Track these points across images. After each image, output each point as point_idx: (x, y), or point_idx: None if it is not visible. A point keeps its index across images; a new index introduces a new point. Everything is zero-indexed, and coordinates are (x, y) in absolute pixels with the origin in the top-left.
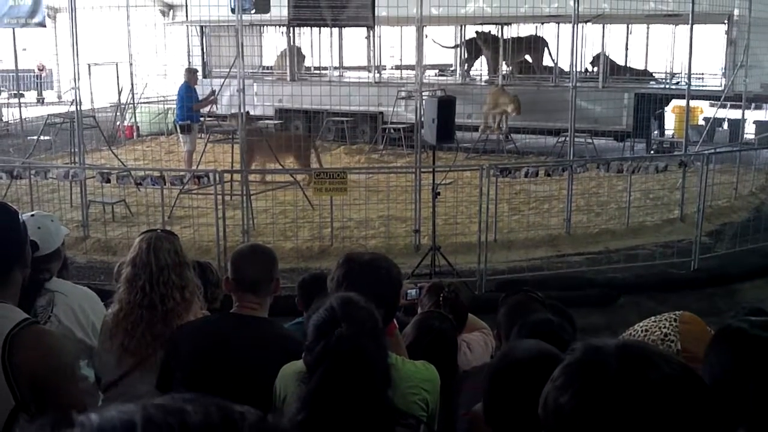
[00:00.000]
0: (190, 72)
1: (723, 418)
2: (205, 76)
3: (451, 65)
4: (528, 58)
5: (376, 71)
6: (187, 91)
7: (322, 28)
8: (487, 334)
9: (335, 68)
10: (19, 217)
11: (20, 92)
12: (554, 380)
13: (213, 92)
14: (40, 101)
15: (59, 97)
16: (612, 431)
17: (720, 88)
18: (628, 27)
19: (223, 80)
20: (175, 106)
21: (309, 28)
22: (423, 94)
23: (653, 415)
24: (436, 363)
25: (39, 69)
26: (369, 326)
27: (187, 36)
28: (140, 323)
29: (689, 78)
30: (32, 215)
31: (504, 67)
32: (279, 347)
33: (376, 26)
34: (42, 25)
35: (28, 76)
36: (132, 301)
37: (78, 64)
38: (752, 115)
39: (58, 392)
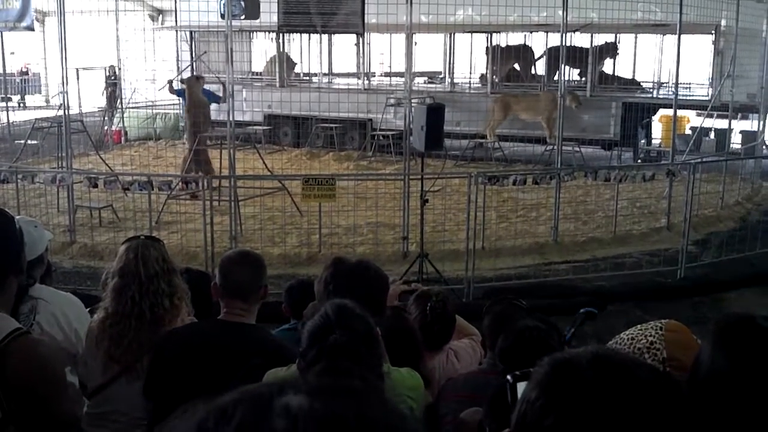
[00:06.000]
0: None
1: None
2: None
3: (440, 73)
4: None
5: (365, 78)
6: None
7: (311, 34)
8: (476, 341)
9: (324, 75)
10: (16, 223)
11: (8, 96)
12: (532, 401)
13: None
14: (21, 105)
15: (47, 101)
16: None
17: (707, 98)
18: (616, 36)
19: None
20: (165, 111)
21: (298, 34)
22: (412, 101)
23: (638, 424)
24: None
25: (23, 71)
26: (363, 333)
27: (176, 41)
28: (128, 332)
29: (676, 87)
30: None
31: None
32: (267, 354)
33: (365, 33)
34: (30, 28)
35: (13, 80)
36: (120, 311)
37: (66, 68)
38: (739, 125)
39: (49, 403)
